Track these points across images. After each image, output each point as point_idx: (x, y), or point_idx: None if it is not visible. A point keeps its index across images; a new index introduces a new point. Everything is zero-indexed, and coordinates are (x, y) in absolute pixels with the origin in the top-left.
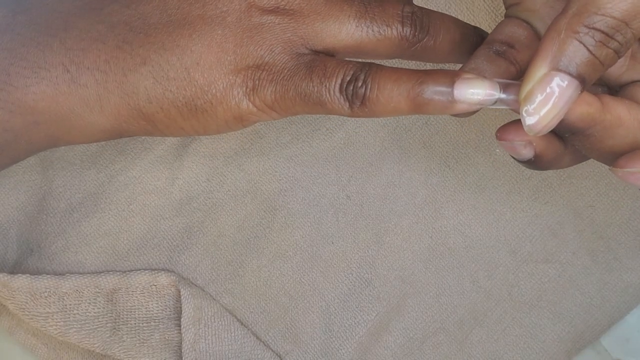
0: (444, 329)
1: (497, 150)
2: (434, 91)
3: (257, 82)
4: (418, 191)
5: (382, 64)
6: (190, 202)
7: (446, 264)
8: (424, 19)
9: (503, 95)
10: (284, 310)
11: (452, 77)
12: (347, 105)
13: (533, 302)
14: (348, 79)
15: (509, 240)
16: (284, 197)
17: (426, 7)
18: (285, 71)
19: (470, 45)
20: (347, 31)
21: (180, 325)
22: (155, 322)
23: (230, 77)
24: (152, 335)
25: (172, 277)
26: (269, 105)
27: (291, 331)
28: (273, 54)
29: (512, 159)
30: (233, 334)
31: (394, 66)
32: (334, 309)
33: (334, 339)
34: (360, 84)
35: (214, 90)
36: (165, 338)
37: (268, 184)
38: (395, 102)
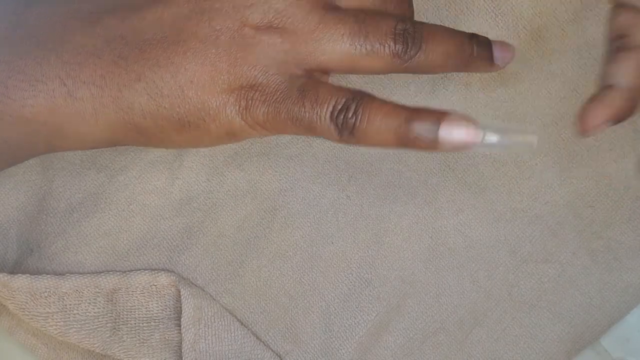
0: (444, 329)
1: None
2: (421, 129)
3: (250, 102)
4: (418, 191)
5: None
6: (190, 202)
7: (446, 264)
8: (416, 36)
9: (491, 139)
10: (284, 310)
11: (439, 117)
12: (337, 133)
13: (533, 302)
14: (339, 107)
15: (509, 240)
16: (284, 197)
17: (420, 20)
18: (278, 93)
19: (465, 56)
20: (341, 49)
21: (180, 325)
22: (155, 322)
23: (224, 96)
24: (152, 335)
25: (172, 277)
26: (261, 124)
27: (291, 331)
28: (267, 75)
29: (513, 159)
30: (233, 334)
31: (385, 99)
32: (334, 309)
33: (334, 339)
34: (350, 115)
35: (207, 108)
36: (165, 338)
37: (268, 184)
38: (383, 137)
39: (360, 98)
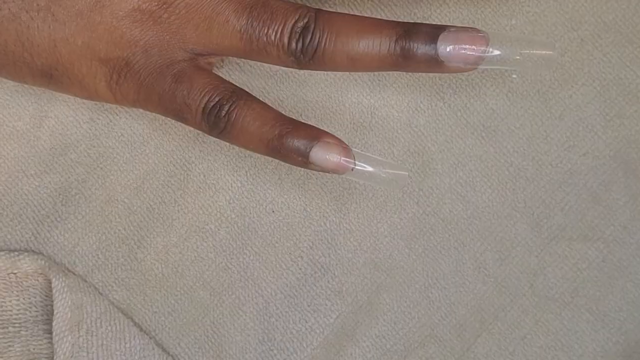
0: (435, 338)
1: (514, 76)
2: (293, 146)
3: (122, 77)
4: (398, 136)
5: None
6: (67, 153)
7: (439, 243)
8: (315, 32)
9: (362, 166)
10: (202, 309)
11: (314, 137)
12: (207, 130)
13: (566, 298)
14: (212, 104)
15: (531, 207)
16: (203, 144)
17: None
18: (154, 75)
19: (375, 60)
20: (230, 43)
21: (51, 332)
22: (14, 326)
23: (95, 64)
24: (10, 346)
25: (39, 261)
26: (131, 101)
27: (213, 340)
28: (147, 54)
29: (536, 89)
30: (128, 344)
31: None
32: (275, 308)
33: (275, 351)
34: (223, 114)
35: (74, 70)
36: (29, 350)
37: (179, 126)
38: (253, 144)
39: (237, 97)
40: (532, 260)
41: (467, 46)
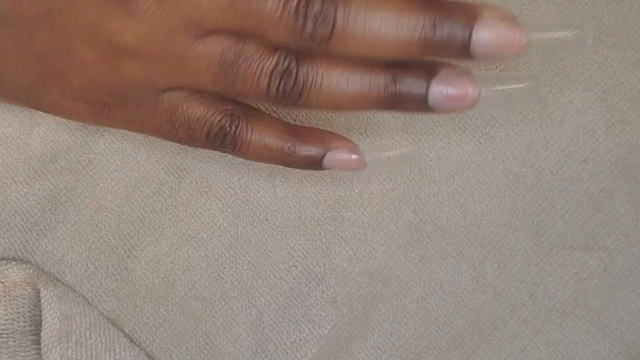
0: (433, 349)
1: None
2: (304, 157)
3: (107, 112)
4: (394, 142)
5: None
6: (56, 160)
7: (436, 252)
8: (298, 77)
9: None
10: (194, 320)
11: (324, 146)
12: (214, 150)
13: (566, 308)
14: (214, 133)
15: (530, 215)
16: (196, 151)
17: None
18: (143, 111)
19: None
20: (203, 83)
21: (39, 343)
22: (2, 337)
23: (78, 104)
24: None
25: (27, 270)
26: (120, 129)
27: (205, 352)
28: (126, 97)
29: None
30: (118, 356)
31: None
32: (268, 318)
33: None
34: (228, 140)
35: (60, 108)
36: None
37: None
38: (264, 159)
39: (239, 120)
40: (532, 270)
41: (456, 91)
